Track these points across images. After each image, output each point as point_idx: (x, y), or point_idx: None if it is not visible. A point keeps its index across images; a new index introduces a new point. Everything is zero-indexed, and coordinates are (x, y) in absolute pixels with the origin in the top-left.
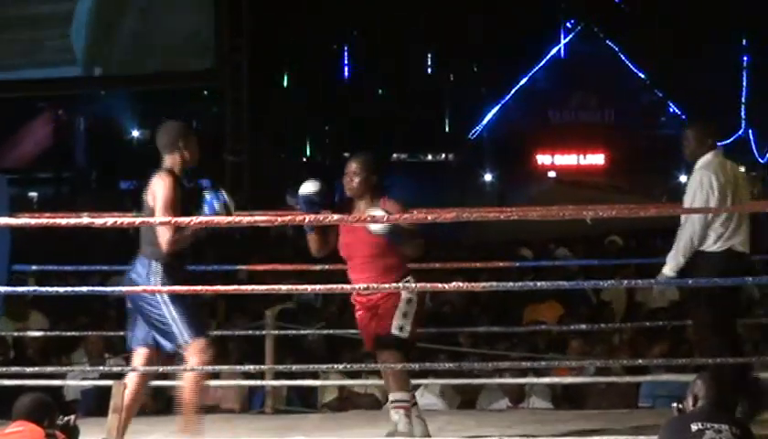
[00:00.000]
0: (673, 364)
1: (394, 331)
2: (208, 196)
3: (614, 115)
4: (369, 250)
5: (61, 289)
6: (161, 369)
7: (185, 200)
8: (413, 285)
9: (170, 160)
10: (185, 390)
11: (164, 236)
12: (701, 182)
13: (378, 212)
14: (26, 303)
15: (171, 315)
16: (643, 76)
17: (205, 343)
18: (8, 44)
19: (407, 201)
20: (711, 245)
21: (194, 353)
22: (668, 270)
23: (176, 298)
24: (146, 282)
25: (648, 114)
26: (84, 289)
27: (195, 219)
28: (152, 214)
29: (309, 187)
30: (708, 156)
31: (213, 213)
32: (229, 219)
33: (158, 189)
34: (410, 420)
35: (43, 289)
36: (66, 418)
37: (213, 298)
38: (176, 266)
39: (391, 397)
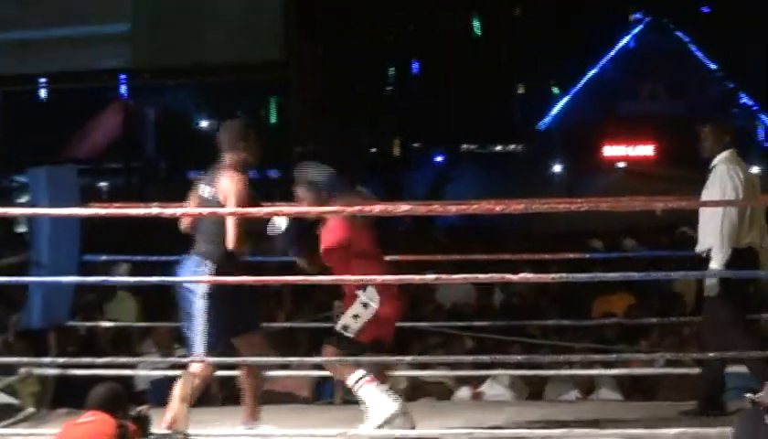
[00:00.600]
0: (744, 356)
1: (338, 327)
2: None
3: (685, 106)
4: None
5: (131, 279)
6: (228, 360)
7: (251, 199)
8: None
9: (233, 158)
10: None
11: (232, 232)
12: (729, 174)
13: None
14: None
15: (199, 325)
16: (714, 67)
17: (205, 366)
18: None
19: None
20: (741, 241)
21: (193, 366)
22: (716, 263)
23: (210, 308)
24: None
25: (719, 105)
26: (154, 279)
27: (265, 210)
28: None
29: (280, 224)
30: (726, 153)
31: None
32: (299, 209)
33: (229, 188)
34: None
35: (112, 279)
36: (138, 408)
37: (279, 289)
38: (229, 269)
39: (349, 383)
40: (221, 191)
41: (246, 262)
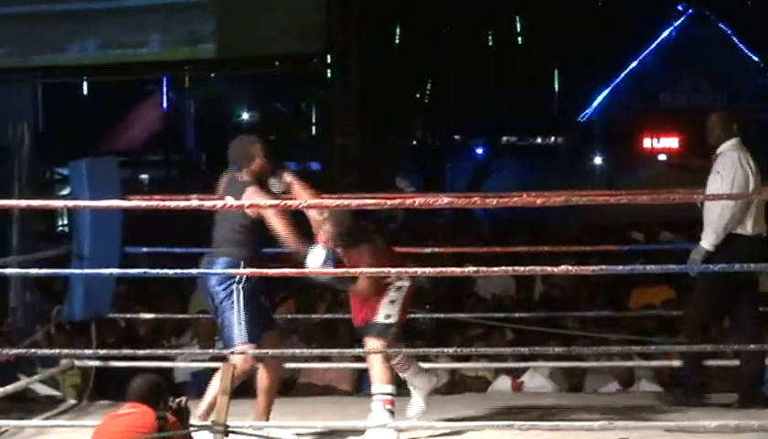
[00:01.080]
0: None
1: (379, 319)
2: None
3: (727, 98)
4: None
5: (170, 271)
6: (270, 352)
7: None
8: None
9: (246, 173)
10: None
11: (281, 229)
12: (740, 161)
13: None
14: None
15: (238, 318)
16: (756, 58)
17: (250, 348)
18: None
19: None
20: (745, 229)
21: (238, 358)
22: (705, 243)
23: (245, 304)
24: (228, 281)
25: (762, 97)
26: (194, 271)
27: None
28: (240, 220)
29: (317, 260)
30: (733, 141)
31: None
32: (339, 201)
33: (258, 200)
34: (393, 414)
35: (153, 271)
36: (177, 400)
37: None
38: (260, 266)
39: (373, 389)
40: (250, 207)
41: (271, 260)
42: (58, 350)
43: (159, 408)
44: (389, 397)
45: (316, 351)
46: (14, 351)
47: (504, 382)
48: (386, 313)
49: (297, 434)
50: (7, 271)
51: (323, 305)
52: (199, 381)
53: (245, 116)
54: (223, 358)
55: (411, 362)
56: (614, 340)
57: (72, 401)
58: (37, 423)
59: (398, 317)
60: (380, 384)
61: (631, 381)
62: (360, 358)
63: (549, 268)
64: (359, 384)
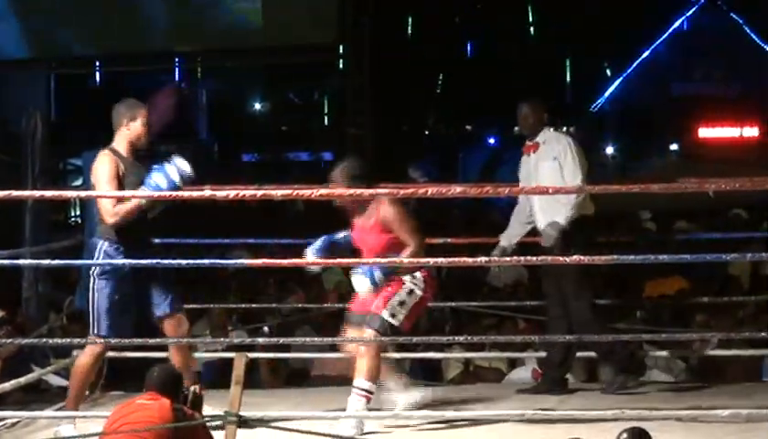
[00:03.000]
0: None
1: (385, 315)
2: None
3: (739, 88)
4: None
5: (183, 262)
6: (281, 340)
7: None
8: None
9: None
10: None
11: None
12: (574, 149)
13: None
14: None
15: (93, 303)
16: None
17: (101, 347)
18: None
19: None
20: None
21: (89, 347)
22: (561, 219)
23: (107, 291)
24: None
25: None
26: (206, 262)
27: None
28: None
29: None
30: (551, 129)
31: (172, 185)
32: (351, 191)
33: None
34: (367, 408)
35: (165, 261)
36: (192, 388)
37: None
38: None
39: (355, 383)
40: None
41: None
42: (70, 340)
43: (177, 399)
44: (368, 394)
45: (327, 340)
46: (27, 341)
47: (518, 374)
48: (392, 311)
49: (311, 424)
50: (20, 261)
51: (334, 295)
52: (212, 371)
53: (258, 106)
54: (237, 347)
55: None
56: (626, 330)
57: (85, 392)
58: (49, 414)
59: (401, 322)
60: (364, 380)
61: (643, 371)
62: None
63: (560, 258)
64: None
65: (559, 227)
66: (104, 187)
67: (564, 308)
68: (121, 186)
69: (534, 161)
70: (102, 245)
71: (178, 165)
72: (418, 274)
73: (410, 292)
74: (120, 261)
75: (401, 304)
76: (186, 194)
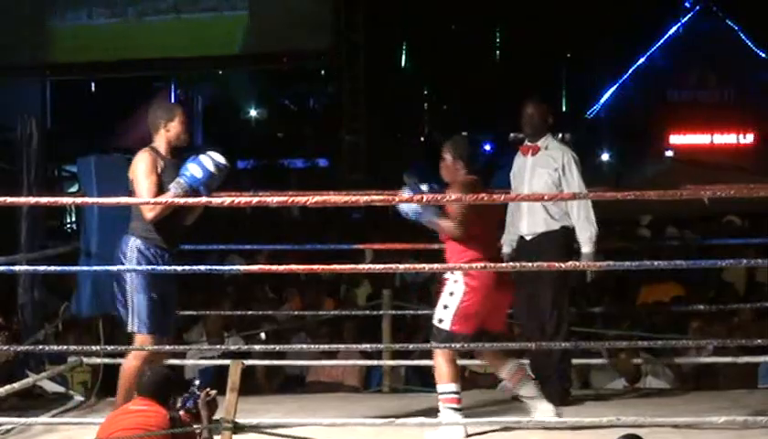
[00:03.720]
0: None
1: (435, 321)
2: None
3: (734, 94)
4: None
5: (179, 268)
6: (294, 346)
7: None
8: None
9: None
10: (123, 372)
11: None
12: (579, 166)
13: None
14: None
15: (132, 300)
16: (763, 54)
17: (150, 340)
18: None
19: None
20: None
21: (138, 345)
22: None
23: (144, 287)
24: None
25: None
26: (203, 268)
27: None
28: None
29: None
30: (552, 136)
31: (208, 174)
32: (347, 198)
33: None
34: (460, 413)
35: (160, 268)
36: (206, 391)
37: (335, 277)
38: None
39: (438, 389)
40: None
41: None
42: (66, 347)
43: (170, 404)
44: (454, 396)
45: (323, 347)
46: (22, 348)
47: None
48: (439, 316)
49: (306, 431)
50: (16, 268)
51: (331, 302)
52: (207, 378)
53: (253, 113)
54: (232, 354)
55: (521, 374)
56: (618, 336)
57: (80, 398)
58: (45, 421)
59: (451, 326)
60: (443, 384)
61: (638, 378)
62: (367, 355)
63: (556, 264)
64: (367, 380)
65: (590, 256)
66: (143, 182)
67: (539, 320)
68: (159, 182)
69: (531, 164)
70: (135, 242)
71: (213, 157)
72: (459, 276)
73: (451, 293)
74: (119, 266)
75: (445, 307)
76: (181, 200)
